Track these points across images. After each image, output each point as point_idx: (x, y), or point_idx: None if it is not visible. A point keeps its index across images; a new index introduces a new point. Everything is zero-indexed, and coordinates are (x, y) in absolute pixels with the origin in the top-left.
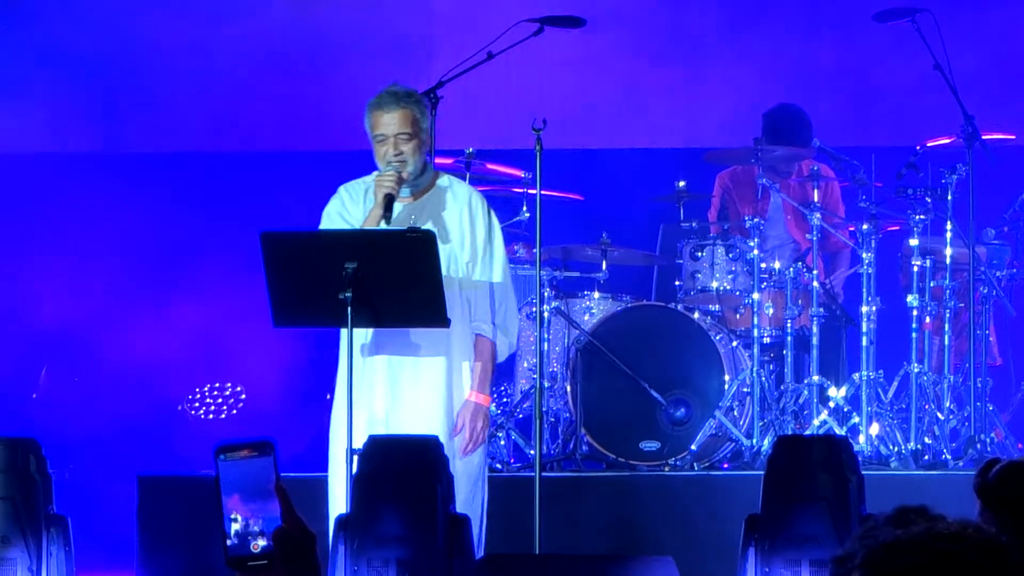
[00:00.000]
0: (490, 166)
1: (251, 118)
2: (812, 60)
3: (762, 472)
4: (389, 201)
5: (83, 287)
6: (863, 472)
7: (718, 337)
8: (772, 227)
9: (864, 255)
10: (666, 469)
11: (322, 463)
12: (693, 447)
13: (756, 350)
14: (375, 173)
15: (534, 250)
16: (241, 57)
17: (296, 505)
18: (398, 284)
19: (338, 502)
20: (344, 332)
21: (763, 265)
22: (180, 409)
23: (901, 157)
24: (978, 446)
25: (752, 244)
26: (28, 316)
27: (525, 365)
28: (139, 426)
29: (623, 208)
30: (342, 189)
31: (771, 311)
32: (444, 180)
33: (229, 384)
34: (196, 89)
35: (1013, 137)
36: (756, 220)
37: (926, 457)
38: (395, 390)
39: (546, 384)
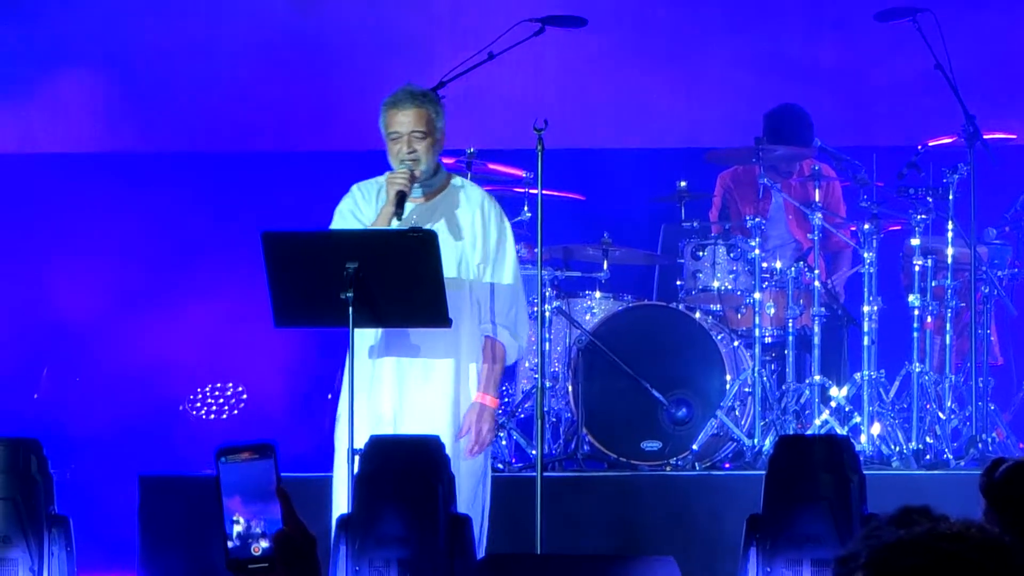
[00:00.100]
0: (491, 166)
1: (250, 118)
2: (813, 60)
3: (764, 472)
4: (401, 198)
5: (84, 287)
6: (865, 472)
7: (719, 337)
8: (773, 227)
9: (865, 255)
10: (667, 469)
11: (323, 463)
12: (694, 447)
13: (757, 350)
14: (388, 172)
15: (535, 250)
16: (241, 58)
17: (298, 505)
18: (400, 284)
19: (343, 502)
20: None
21: (764, 265)
22: (181, 409)
23: (902, 157)
24: (979, 446)
25: (753, 244)
26: (29, 316)
27: (526, 365)
28: (140, 426)
29: (624, 208)
30: (355, 188)
31: (772, 311)
32: (457, 181)
33: (230, 384)
34: (195, 90)
35: (1014, 137)
36: (757, 220)
37: (928, 457)
38: (403, 391)
39: (548, 384)
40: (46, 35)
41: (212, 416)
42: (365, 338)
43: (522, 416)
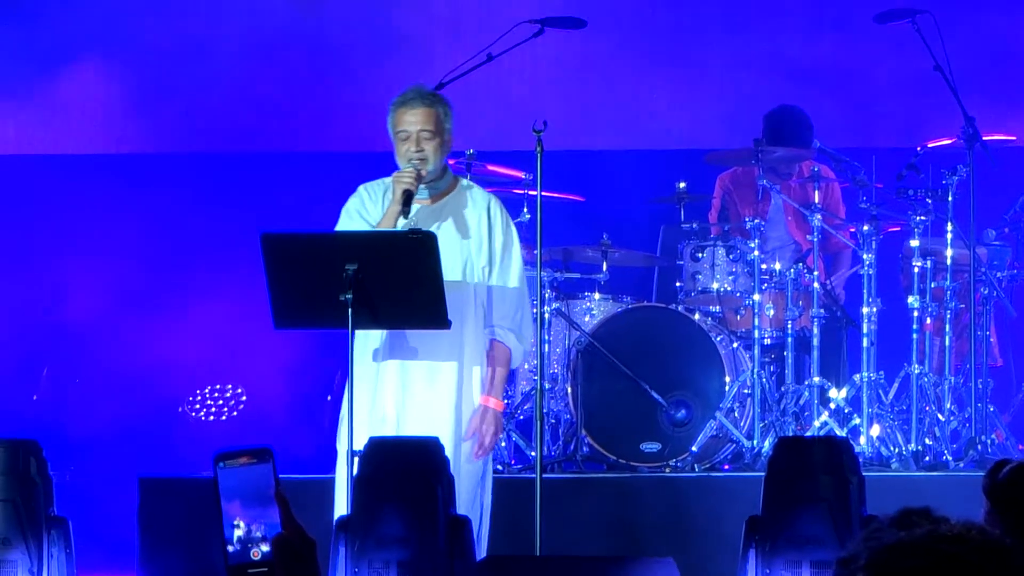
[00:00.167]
0: (491, 167)
1: (250, 119)
2: (812, 61)
3: (763, 473)
4: (408, 197)
5: (84, 288)
6: (864, 473)
7: (719, 338)
8: (773, 228)
9: (865, 256)
10: (667, 470)
11: (322, 465)
12: (694, 448)
13: (757, 351)
14: (395, 172)
15: (535, 251)
16: (241, 58)
17: (299, 507)
18: (399, 285)
19: (344, 504)
20: (358, 334)
21: (764, 266)
22: (181, 411)
23: (902, 158)
24: (979, 447)
25: (753, 245)
26: (29, 317)
27: (526, 367)
28: (140, 428)
29: (624, 209)
30: (362, 188)
31: (772, 312)
32: (464, 184)
33: (230, 386)
34: (194, 90)
35: (1014, 138)
36: (757, 221)
37: (927, 458)
38: (406, 393)
39: (547, 385)
40: (46, 35)
41: (211, 418)
42: (369, 340)
43: (521, 418)
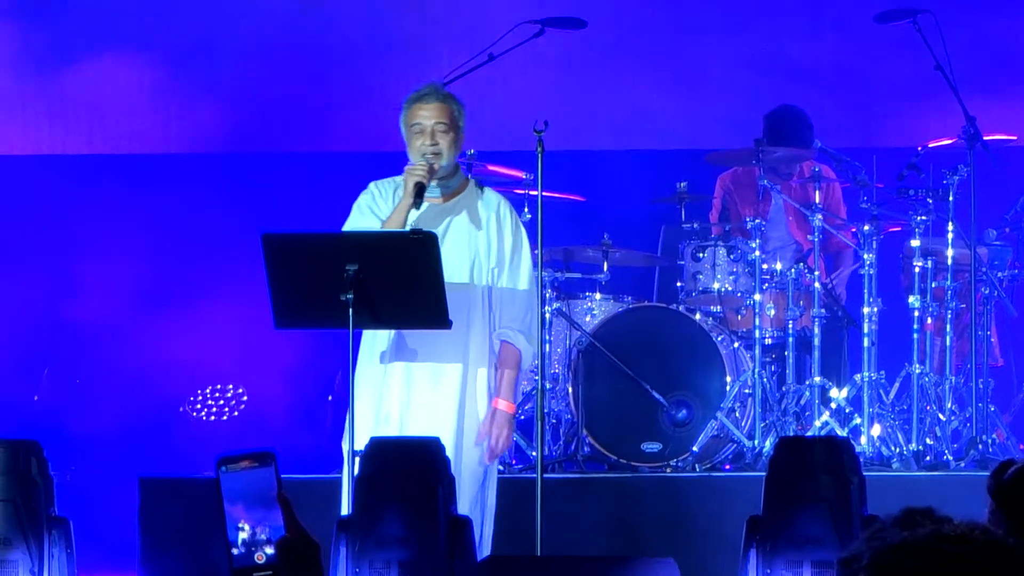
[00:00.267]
0: (491, 167)
1: (249, 120)
2: (813, 60)
3: (764, 473)
4: (420, 189)
5: (84, 289)
6: (865, 473)
7: (719, 338)
8: (773, 228)
9: (865, 256)
10: (668, 470)
11: (322, 465)
12: (695, 448)
13: (758, 351)
14: (407, 165)
15: (535, 251)
16: (241, 59)
17: (300, 507)
18: (399, 285)
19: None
20: (365, 336)
21: (764, 266)
22: (181, 411)
23: (902, 158)
24: (980, 447)
25: (753, 245)
26: (30, 318)
27: (526, 367)
28: (140, 428)
29: (624, 209)
30: (372, 185)
31: (772, 312)
32: (475, 185)
33: (230, 386)
34: (194, 90)
35: (1015, 138)
36: (757, 221)
37: (928, 458)
38: (410, 393)
39: (548, 385)
40: (46, 36)
41: (212, 418)
42: (376, 343)
43: (522, 418)
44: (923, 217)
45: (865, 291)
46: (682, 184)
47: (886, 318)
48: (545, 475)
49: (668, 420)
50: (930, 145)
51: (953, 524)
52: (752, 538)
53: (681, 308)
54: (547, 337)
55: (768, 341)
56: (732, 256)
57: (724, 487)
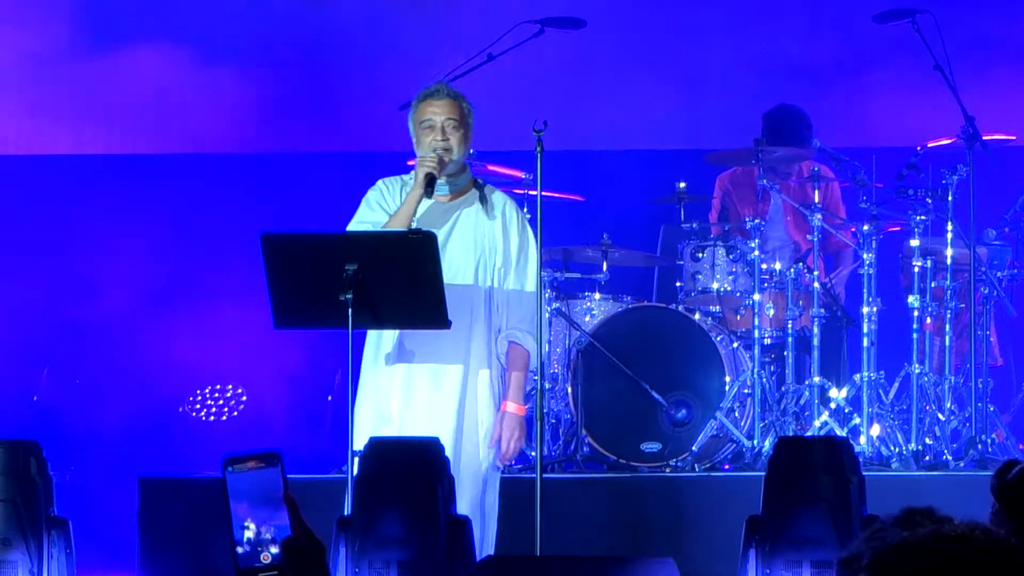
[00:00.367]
0: (490, 167)
1: (249, 120)
2: (812, 60)
3: (763, 473)
4: (431, 180)
5: (84, 289)
6: (864, 473)
7: (719, 338)
8: (772, 228)
9: (865, 256)
10: (667, 470)
11: (323, 465)
12: (694, 448)
13: (757, 351)
14: (418, 157)
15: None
16: (241, 59)
17: (302, 507)
18: (399, 285)
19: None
20: (369, 337)
21: (764, 266)
22: (181, 411)
23: (902, 158)
24: (979, 447)
25: (753, 245)
26: (29, 318)
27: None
28: (140, 428)
29: (624, 209)
30: (380, 182)
31: (772, 312)
32: (481, 185)
33: (230, 386)
34: (194, 91)
35: (1014, 138)
36: (756, 221)
37: (927, 458)
38: (411, 393)
39: (547, 385)
40: (45, 37)
41: (212, 418)
42: (380, 343)
43: None
44: (922, 217)
45: (864, 291)
46: (681, 184)
47: (885, 318)
48: (545, 475)
49: (667, 420)
50: (929, 145)
51: (953, 524)
52: (751, 538)
53: (680, 308)
54: (547, 337)
55: (767, 341)
56: (731, 256)
57: (723, 487)
